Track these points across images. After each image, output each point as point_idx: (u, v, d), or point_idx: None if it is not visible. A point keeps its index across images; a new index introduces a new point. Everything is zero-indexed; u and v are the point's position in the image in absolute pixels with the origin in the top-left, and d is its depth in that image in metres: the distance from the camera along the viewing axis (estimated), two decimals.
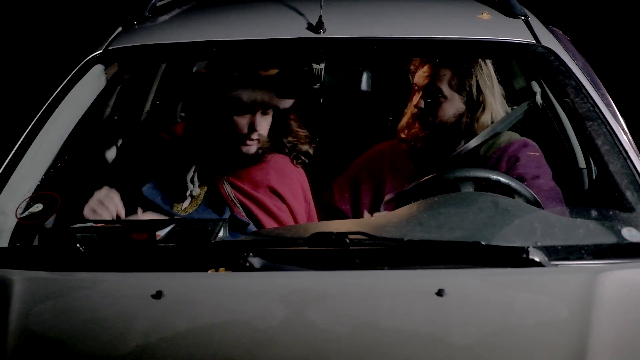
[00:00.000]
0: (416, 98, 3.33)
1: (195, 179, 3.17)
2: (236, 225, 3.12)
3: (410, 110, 3.38)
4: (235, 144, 3.14)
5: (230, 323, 2.18)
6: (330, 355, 2.08)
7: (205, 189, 3.18)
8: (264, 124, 3.15)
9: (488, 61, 3.34)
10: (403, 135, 3.38)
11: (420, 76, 3.34)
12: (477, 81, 3.30)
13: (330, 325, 2.16)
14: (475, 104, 3.30)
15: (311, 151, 3.34)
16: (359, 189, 3.40)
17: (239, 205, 3.18)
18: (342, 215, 3.35)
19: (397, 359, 2.07)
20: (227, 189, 3.18)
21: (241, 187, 3.21)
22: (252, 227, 3.16)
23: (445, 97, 3.29)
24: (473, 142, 3.32)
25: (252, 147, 3.15)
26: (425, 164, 3.32)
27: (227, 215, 3.17)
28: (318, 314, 2.19)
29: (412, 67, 3.39)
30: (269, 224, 3.20)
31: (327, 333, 2.14)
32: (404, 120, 3.40)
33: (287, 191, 3.28)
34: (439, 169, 3.24)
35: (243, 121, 3.12)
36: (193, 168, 3.18)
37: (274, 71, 3.17)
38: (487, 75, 3.32)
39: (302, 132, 3.34)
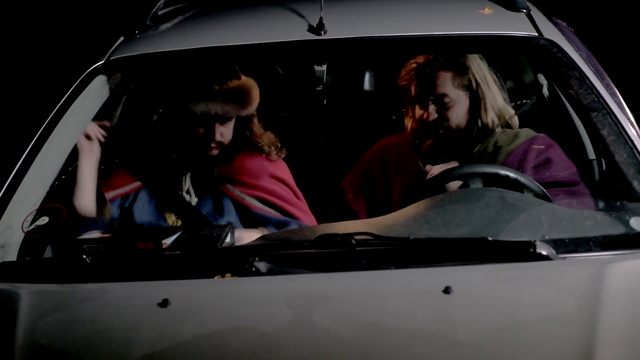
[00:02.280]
0: (420, 111, 3.27)
1: (191, 189, 3.17)
2: (254, 220, 3.14)
3: (412, 122, 3.34)
4: (199, 151, 3.16)
5: (236, 328, 2.17)
6: (338, 357, 2.07)
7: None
8: (224, 131, 3.16)
9: (477, 55, 3.32)
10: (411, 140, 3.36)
11: (420, 88, 3.27)
12: (473, 74, 3.27)
13: (337, 327, 2.15)
14: (477, 98, 3.27)
15: (280, 154, 3.32)
16: (368, 186, 3.39)
17: (252, 200, 3.17)
18: (354, 215, 3.34)
19: (404, 359, 2.05)
20: (231, 189, 3.17)
21: (244, 181, 3.21)
22: (271, 216, 3.16)
23: (453, 100, 3.24)
24: (490, 139, 3.30)
25: (214, 151, 3.17)
26: (433, 159, 3.31)
27: (238, 214, 3.16)
28: (325, 316, 2.18)
29: (402, 82, 3.34)
30: (288, 208, 3.21)
31: (335, 335, 2.13)
32: (409, 128, 3.37)
33: (284, 174, 3.29)
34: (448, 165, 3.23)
35: (202, 131, 3.13)
36: (188, 178, 3.18)
37: (236, 82, 3.17)
38: (477, 67, 3.28)
39: (267, 135, 3.32)
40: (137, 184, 3.15)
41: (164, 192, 3.15)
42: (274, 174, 3.26)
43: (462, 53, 3.24)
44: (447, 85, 3.24)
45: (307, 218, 3.22)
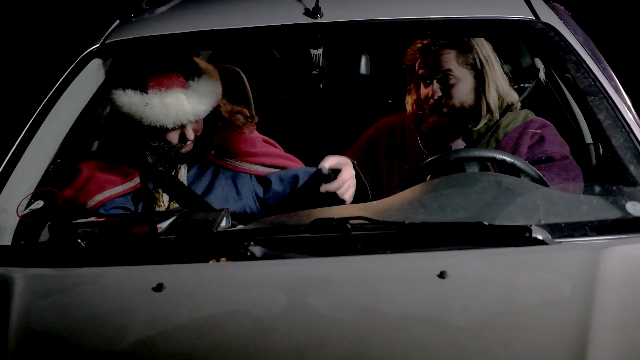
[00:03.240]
0: (426, 90, 3.28)
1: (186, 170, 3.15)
2: (264, 182, 3.17)
3: (414, 102, 3.34)
4: (171, 150, 3.09)
5: (231, 313, 2.17)
6: (333, 342, 2.06)
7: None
8: (196, 127, 3.09)
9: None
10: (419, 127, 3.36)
11: (424, 65, 3.29)
12: (477, 54, 3.28)
13: (332, 311, 2.15)
14: (481, 78, 3.28)
15: (255, 122, 3.28)
16: (372, 164, 3.38)
17: (264, 168, 3.19)
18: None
19: (400, 343, 2.05)
20: (240, 164, 3.16)
21: (247, 152, 3.20)
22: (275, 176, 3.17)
23: (457, 78, 3.26)
24: (489, 120, 3.30)
25: (190, 146, 3.11)
26: (436, 142, 3.30)
27: (249, 181, 3.17)
28: (320, 300, 2.18)
29: (407, 62, 3.34)
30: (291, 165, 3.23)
31: (330, 319, 2.13)
32: (411, 108, 3.37)
33: (264, 135, 3.29)
34: (449, 148, 3.24)
35: (174, 134, 3.06)
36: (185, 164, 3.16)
37: (198, 78, 3.07)
38: (481, 46, 3.29)
39: (239, 109, 3.26)
40: (138, 180, 3.11)
41: (165, 185, 3.12)
42: (263, 138, 3.28)
43: (459, 36, 3.24)
44: (452, 62, 3.26)
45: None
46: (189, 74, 3.06)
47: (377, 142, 3.42)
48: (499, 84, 3.31)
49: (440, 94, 3.26)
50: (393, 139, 3.40)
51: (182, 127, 3.05)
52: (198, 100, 3.04)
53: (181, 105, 3.00)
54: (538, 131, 3.25)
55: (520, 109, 3.39)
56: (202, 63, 3.17)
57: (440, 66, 3.27)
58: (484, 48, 3.29)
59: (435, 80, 3.26)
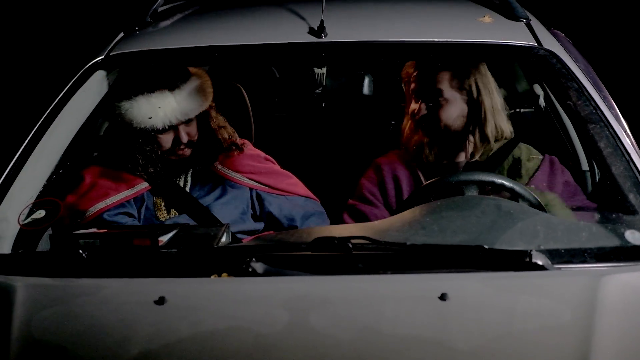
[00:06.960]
0: (414, 105, 3.28)
1: (189, 180, 3.17)
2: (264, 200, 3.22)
3: (408, 119, 3.34)
4: (167, 154, 3.12)
5: (232, 328, 2.18)
6: None
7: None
8: (190, 130, 3.13)
9: (483, 63, 3.32)
10: (408, 147, 3.35)
11: (417, 82, 3.28)
12: (475, 81, 3.27)
13: (333, 330, 2.16)
14: (477, 106, 3.27)
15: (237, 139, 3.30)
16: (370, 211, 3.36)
17: (265, 186, 3.22)
18: None
19: None
20: (244, 179, 3.19)
21: (249, 169, 3.24)
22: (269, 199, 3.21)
23: (446, 99, 3.24)
24: (488, 150, 3.30)
25: (186, 151, 3.14)
26: (434, 172, 3.29)
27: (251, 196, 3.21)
28: (321, 319, 2.19)
29: (404, 75, 3.35)
30: (290, 187, 3.27)
31: (330, 338, 2.14)
32: (406, 130, 3.36)
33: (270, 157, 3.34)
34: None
35: (168, 137, 3.09)
36: (189, 173, 3.18)
37: (187, 80, 3.13)
38: (483, 76, 3.29)
39: (227, 127, 3.28)
40: (141, 187, 3.13)
41: (168, 194, 3.13)
42: (265, 156, 3.33)
43: (462, 60, 3.25)
44: (445, 83, 3.24)
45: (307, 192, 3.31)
46: (176, 75, 3.10)
47: (373, 188, 3.38)
48: (498, 115, 3.29)
49: (425, 112, 3.24)
50: (385, 182, 3.36)
51: (174, 129, 3.07)
52: (186, 99, 3.07)
53: (168, 104, 3.03)
54: (559, 169, 3.25)
55: (516, 137, 3.37)
56: (192, 69, 3.20)
57: (432, 84, 3.25)
58: (484, 77, 3.28)
59: (423, 98, 3.25)
